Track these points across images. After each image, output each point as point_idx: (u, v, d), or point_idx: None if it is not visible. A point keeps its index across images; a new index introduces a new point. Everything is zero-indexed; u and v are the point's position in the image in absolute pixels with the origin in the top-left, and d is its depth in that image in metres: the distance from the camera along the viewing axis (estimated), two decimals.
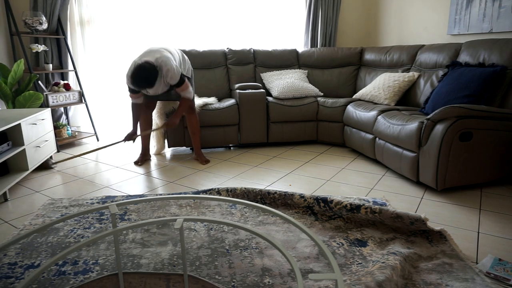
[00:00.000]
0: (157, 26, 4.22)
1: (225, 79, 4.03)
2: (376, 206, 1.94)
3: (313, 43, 4.45)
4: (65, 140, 3.82)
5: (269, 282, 1.51)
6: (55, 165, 2.96)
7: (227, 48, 4.09)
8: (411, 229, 1.86)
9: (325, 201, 2.10)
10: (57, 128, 3.88)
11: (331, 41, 4.47)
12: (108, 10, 4.11)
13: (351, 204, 2.02)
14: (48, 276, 1.57)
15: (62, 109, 4.13)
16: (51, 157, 3.04)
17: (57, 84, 3.88)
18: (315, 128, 3.71)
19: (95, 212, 2.15)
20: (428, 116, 2.41)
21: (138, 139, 3.84)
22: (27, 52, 3.85)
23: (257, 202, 2.33)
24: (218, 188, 2.46)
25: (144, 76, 2.60)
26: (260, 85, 3.78)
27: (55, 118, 4.08)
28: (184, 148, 3.77)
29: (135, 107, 3.05)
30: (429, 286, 1.45)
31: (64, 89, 3.87)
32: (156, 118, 3.44)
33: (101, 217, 2.15)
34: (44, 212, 2.23)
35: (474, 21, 3.13)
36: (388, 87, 3.35)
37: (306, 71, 4.13)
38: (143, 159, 3.31)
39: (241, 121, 3.56)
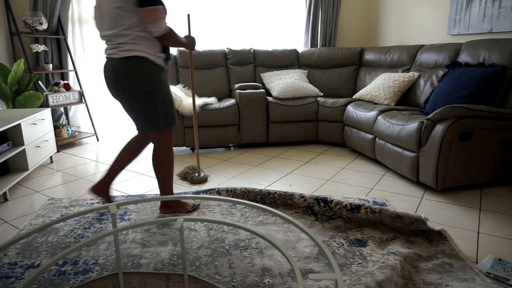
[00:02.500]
0: None
1: (225, 79, 4.03)
2: (376, 206, 1.94)
3: (313, 43, 4.45)
4: (65, 140, 3.82)
5: (269, 282, 1.51)
6: None
7: (227, 48, 4.09)
8: (411, 229, 1.86)
9: (325, 201, 2.10)
10: (57, 128, 3.88)
11: (331, 41, 4.47)
12: None
13: (351, 204, 2.02)
14: (48, 276, 1.57)
15: (62, 109, 4.13)
16: None
17: (57, 84, 3.88)
18: (315, 128, 3.71)
19: (95, 212, 2.15)
20: (428, 116, 2.41)
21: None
22: (27, 52, 3.85)
23: (257, 202, 2.33)
24: (218, 188, 2.46)
25: None
26: (260, 85, 3.78)
27: (55, 118, 4.08)
28: (184, 148, 3.77)
29: None
30: (429, 286, 1.45)
31: (64, 89, 3.87)
32: None
33: (101, 217, 2.15)
34: (44, 212, 2.23)
35: (474, 21, 3.13)
36: (388, 87, 3.35)
37: (306, 71, 4.13)
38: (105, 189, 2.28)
39: (241, 121, 3.56)
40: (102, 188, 2.24)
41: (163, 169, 2.08)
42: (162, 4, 1.84)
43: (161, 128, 2.01)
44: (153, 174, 2.96)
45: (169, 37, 1.92)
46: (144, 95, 1.91)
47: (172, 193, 2.10)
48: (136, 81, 1.89)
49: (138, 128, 2.14)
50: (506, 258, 1.66)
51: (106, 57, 1.97)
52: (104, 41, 2.00)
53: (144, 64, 1.89)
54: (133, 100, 1.92)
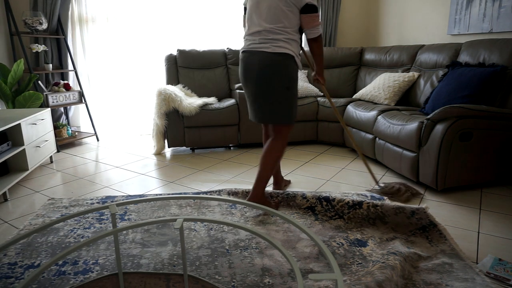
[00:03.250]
0: (157, 25, 4.22)
1: (225, 79, 4.03)
2: (377, 201, 1.95)
3: None
4: (65, 140, 3.82)
5: (269, 282, 1.51)
6: None
7: (227, 48, 4.09)
8: (411, 225, 1.86)
9: (327, 199, 2.11)
10: (57, 128, 3.88)
11: (331, 41, 4.47)
12: (108, 10, 4.11)
13: (353, 201, 2.02)
14: (48, 276, 1.57)
15: (62, 109, 4.13)
16: None
17: (57, 84, 3.88)
18: (315, 128, 3.71)
19: (95, 212, 2.16)
20: (428, 116, 2.41)
21: None
22: (27, 52, 3.85)
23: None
24: (219, 191, 2.46)
25: None
26: None
27: (55, 118, 4.08)
28: (184, 148, 3.77)
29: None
30: (429, 286, 1.45)
31: (64, 89, 3.87)
32: (156, 119, 3.44)
33: (101, 217, 2.15)
34: (44, 212, 2.23)
35: (474, 21, 3.13)
36: (388, 87, 3.35)
37: (306, 71, 4.13)
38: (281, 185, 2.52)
39: (241, 121, 3.56)
40: (281, 185, 2.48)
41: (269, 160, 2.13)
42: (318, 11, 2.04)
43: (287, 124, 2.12)
44: (152, 174, 2.97)
45: (319, 42, 2.10)
46: (285, 90, 2.05)
47: (265, 186, 2.17)
48: (282, 76, 2.02)
49: (263, 120, 2.15)
50: (506, 258, 1.66)
51: (252, 50, 2.07)
52: (250, 33, 2.11)
53: (291, 62, 2.04)
54: (274, 93, 2.04)
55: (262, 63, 2.02)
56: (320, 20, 2.06)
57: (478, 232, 1.91)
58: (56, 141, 3.71)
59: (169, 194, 2.51)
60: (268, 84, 2.03)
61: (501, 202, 2.27)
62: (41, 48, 3.68)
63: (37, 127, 2.93)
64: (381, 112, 3.00)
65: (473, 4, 3.12)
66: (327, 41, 4.44)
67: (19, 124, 2.65)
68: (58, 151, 3.71)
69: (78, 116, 4.37)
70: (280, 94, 2.04)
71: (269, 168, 2.13)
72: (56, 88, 3.84)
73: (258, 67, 2.03)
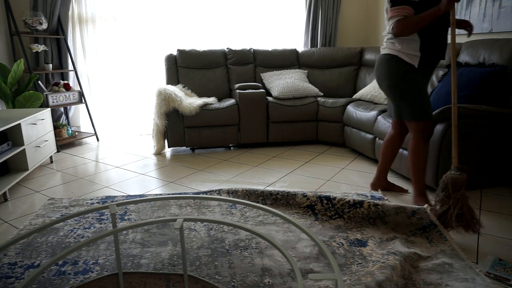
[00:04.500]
0: (157, 25, 4.22)
1: (225, 79, 4.03)
2: (378, 200, 1.95)
3: (313, 43, 4.45)
4: (65, 140, 3.82)
5: (269, 282, 1.51)
6: None
7: (227, 48, 4.09)
8: (412, 225, 1.86)
9: (328, 198, 2.11)
10: (57, 128, 3.88)
11: (331, 41, 4.47)
12: (108, 10, 4.11)
13: (354, 200, 2.02)
14: (48, 276, 1.57)
15: (62, 109, 4.13)
16: None
17: (57, 84, 3.88)
18: (315, 128, 3.71)
19: (95, 212, 2.15)
20: None
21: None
22: (27, 52, 3.85)
23: (258, 203, 2.33)
24: (219, 190, 2.46)
25: None
26: (260, 85, 3.78)
27: (55, 118, 4.08)
28: (184, 148, 3.77)
29: None
30: (429, 286, 1.45)
31: (64, 89, 3.87)
32: (156, 119, 3.44)
33: (101, 217, 2.15)
34: (44, 212, 2.23)
35: (474, 21, 3.13)
36: None
37: (306, 71, 4.13)
38: (380, 183, 2.50)
39: (241, 121, 3.56)
40: (378, 183, 2.50)
41: (414, 161, 2.19)
42: (402, 4, 1.95)
43: (409, 120, 2.16)
44: (152, 174, 2.97)
45: (404, 27, 1.96)
46: (388, 88, 2.17)
47: (423, 185, 2.19)
48: (383, 75, 2.17)
49: (395, 117, 2.30)
50: (506, 258, 1.66)
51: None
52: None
53: (391, 62, 2.12)
54: (390, 92, 2.19)
55: (376, 65, 2.24)
56: (396, 12, 1.96)
57: (478, 232, 1.91)
58: (56, 141, 3.71)
59: (169, 194, 2.51)
60: (384, 85, 2.20)
61: (501, 202, 2.27)
62: (41, 48, 3.68)
63: (37, 127, 2.93)
64: (381, 112, 3.00)
65: (473, 4, 3.12)
66: (327, 41, 4.44)
67: (19, 124, 2.65)
68: (58, 151, 3.71)
69: (78, 116, 4.37)
70: (388, 91, 2.19)
71: (418, 168, 2.17)
72: (56, 88, 3.84)
73: (375, 68, 2.27)
